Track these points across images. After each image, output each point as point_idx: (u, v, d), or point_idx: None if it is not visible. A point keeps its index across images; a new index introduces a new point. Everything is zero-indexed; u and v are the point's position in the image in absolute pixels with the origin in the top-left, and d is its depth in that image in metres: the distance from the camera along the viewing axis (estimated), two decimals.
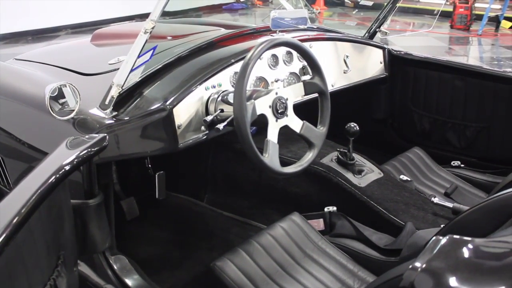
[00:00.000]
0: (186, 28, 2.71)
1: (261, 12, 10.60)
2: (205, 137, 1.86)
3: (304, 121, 1.85)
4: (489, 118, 2.72)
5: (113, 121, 1.70)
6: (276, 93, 1.78)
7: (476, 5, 9.54)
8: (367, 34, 2.95)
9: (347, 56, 2.55)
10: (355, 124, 2.19)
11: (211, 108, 1.87)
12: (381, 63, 2.82)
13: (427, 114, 2.92)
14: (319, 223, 2.13)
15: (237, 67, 1.98)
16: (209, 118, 1.81)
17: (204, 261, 2.15)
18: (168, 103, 1.74)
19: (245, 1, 10.52)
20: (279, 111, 1.77)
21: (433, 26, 9.54)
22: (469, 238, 1.04)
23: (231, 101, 1.85)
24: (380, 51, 2.81)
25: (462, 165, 2.70)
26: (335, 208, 2.10)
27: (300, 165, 1.84)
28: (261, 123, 1.75)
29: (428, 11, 10.64)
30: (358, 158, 2.31)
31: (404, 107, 2.99)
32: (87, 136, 1.45)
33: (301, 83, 1.88)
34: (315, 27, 2.71)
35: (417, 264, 0.99)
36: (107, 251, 1.76)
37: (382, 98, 3.00)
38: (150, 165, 2.37)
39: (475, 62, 7.24)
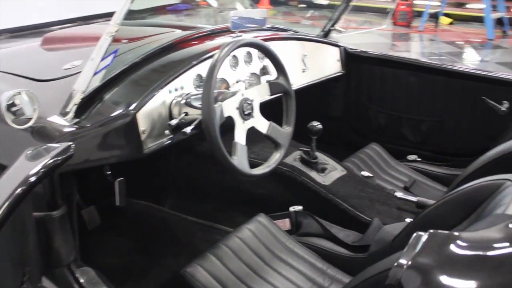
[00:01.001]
0: (141, 31, 2.65)
1: (206, 12, 10.53)
2: (169, 141, 1.83)
3: (271, 121, 1.85)
4: (442, 112, 2.80)
5: (74, 129, 1.63)
6: (242, 95, 1.76)
7: (416, 2, 9.81)
8: (322, 33, 2.97)
9: (305, 55, 2.56)
10: (318, 123, 2.20)
11: (175, 111, 1.84)
12: (338, 61, 2.85)
13: (382, 110, 2.98)
14: (285, 223, 2.12)
15: (199, 69, 1.96)
16: (174, 122, 1.77)
17: (171, 267, 2.11)
18: (131, 108, 1.69)
19: (195, 2, 10.40)
20: (245, 113, 1.75)
21: (375, 23, 9.76)
22: (451, 233, 1.05)
23: (195, 104, 1.83)
24: (337, 49, 2.84)
25: (418, 159, 2.76)
26: (300, 207, 2.11)
27: (268, 166, 1.84)
28: (228, 125, 1.73)
29: (370, 8, 10.84)
30: (320, 157, 2.32)
31: (360, 104, 3.03)
32: (44, 146, 1.39)
33: (267, 84, 1.87)
34: (270, 26, 2.71)
35: (403, 261, 0.99)
36: (73, 264, 1.69)
37: (338, 96, 3.03)
38: (109, 172, 2.30)
39: (417, 57, 7.43)
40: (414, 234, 1.05)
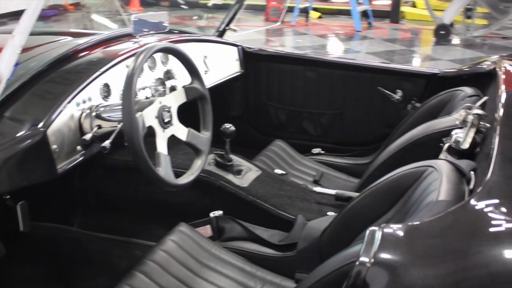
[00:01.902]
0: (30, 39, 2.44)
1: (74, 17, 10.10)
2: (82, 157, 1.72)
3: (189, 128, 1.79)
4: (341, 105, 2.89)
5: None
6: (160, 102, 1.69)
7: None
8: (216, 34, 2.95)
9: (205, 57, 2.52)
10: (230, 125, 2.17)
11: (86, 125, 1.72)
12: (236, 60, 2.85)
13: (282, 107, 3.01)
14: (207, 230, 2.07)
15: (106, 78, 1.85)
16: (88, 136, 1.66)
17: None
18: (40, 125, 1.55)
19: (63, 7, 9.88)
20: (165, 121, 1.68)
21: (248, 20, 9.89)
22: (405, 225, 1.07)
23: (106, 115, 1.74)
24: (235, 49, 2.83)
25: (322, 152, 2.83)
26: (221, 212, 2.06)
27: (192, 174, 1.79)
28: (148, 135, 1.65)
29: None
30: (234, 159, 2.29)
31: (260, 102, 3.04)
32: None
33: (182, 89, 1.81)
34: (166, 30, 2.63)
35: (365, 259, 0.98)
36: None
37: (237, 95, 3.02)
38: (8, 196, 2.10)
39: (294, 51, 7.67)
40: (368, 230, 1.06)
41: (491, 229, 1.05)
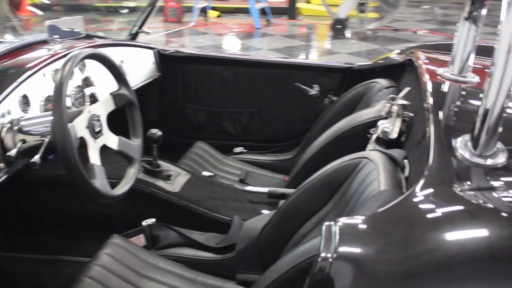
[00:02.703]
0: None
1: None
2: (6, 175, 1.61)
3: (120, 136, 1.73)
4: (259, 102, 2.91)
5: None
6: (89, 111, 1.61)
7: None
8: (129, 36, 2.87)
9: (122, 61, 2.44)
10: (157, 130, 2.13)
11: (8, 141, 1.61)
12: (153, 63, 2.78)
13: (200, 108, 2.99)
14: (140, 239, 2.01)
15: (23, 89, 1.74)
16: (13, 152, 1.55)
17: None
18: None
19: None
20: (96, 131, 1.61)
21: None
22: (361, 217, 1.10)
23: (28, 129, 1.64)
24: (151, 52, 2.76)
25: (244, 150, 2.84)
26: (154, 220, 2.01)
27: (126, 183, 1.73)
28: (78, 147, 1.57)
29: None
30: (162, 164, 2.24)
31: (177, 105, 3.00)
32: None
33: (110, 96, 1.74)
34: (82, 35, 2.51)
35: (327, 254, 0.99)
36: None
37: (153, 99, 2.96)
38: None
39: (196, 51, 7.62)
40: (324, 226, 1.07)
41: (438, 214, 1.10)
